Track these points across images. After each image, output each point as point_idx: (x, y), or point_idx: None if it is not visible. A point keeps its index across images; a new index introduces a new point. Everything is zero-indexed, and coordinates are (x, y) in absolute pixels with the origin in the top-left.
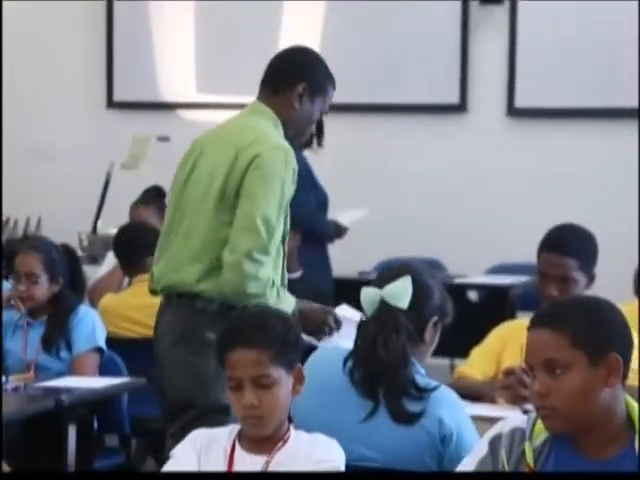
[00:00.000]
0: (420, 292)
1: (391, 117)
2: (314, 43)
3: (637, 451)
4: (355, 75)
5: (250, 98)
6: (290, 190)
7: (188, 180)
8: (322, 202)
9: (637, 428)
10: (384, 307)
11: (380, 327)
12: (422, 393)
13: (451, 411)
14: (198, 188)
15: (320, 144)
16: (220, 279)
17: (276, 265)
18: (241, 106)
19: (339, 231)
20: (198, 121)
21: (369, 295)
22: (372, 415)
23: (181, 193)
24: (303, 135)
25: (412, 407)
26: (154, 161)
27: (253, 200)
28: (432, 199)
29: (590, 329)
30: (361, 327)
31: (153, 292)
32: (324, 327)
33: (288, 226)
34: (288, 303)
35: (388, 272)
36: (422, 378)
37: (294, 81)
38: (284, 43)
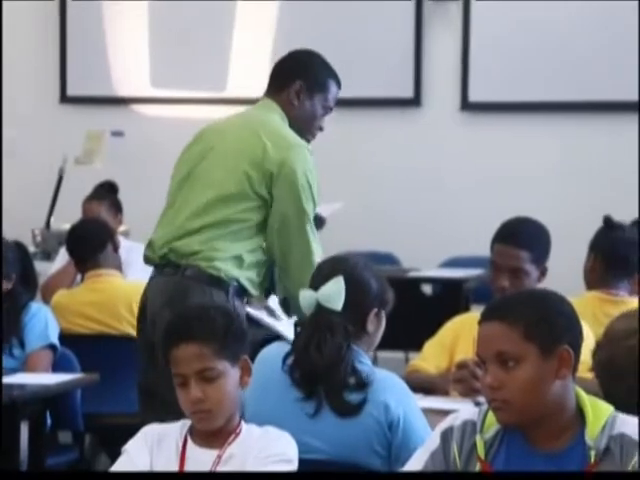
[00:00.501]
0: (355, 288)
1: (345, 111)
2: (268, 40)
3: (586, 442)
4: None
5: (204, 93)
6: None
7: (205, 157)
8: None
9: (587, 420)
10: (320, 310)
11: (314, 329)
12: (363, 383)
13: (397, 397)
14: (217, 168)
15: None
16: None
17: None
18: (195, 101)
19: (319, 223)
20: (152, 116)
21: (306, 299)
22: (317, 413)
23: (192, 170)
24: (308, 132)
25: (354, 398)
26: (108, 156)
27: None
28: (386, 193)
29: (541, 322)
30: (298, 328)
31: (148, 260)
32: None
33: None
34: None
35: (322, 271)
36: (366, 367)
37: (291, 79)
38: (238, 39)
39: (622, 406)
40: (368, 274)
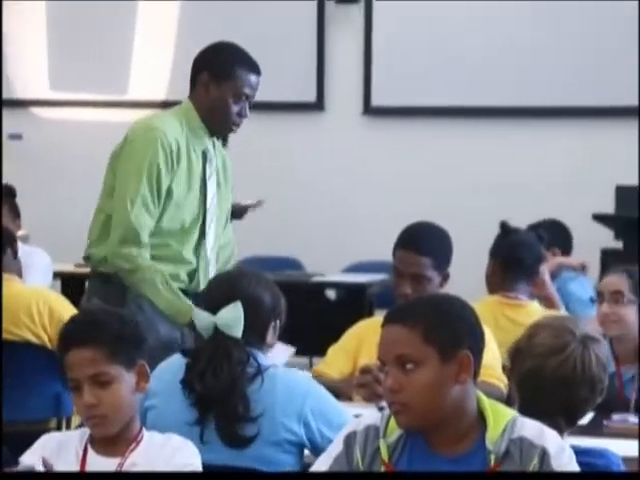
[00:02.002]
0: (252, 309)
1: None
2: (169, 43)
3: (487, 446)
4: None
5: (105, 96)
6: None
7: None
8: None
9: (488, 424)
10: (219, 335)
11: (212, 355)
12: (255, 416)
13: (299, 406)
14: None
15: (225, 144)
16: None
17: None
18: (94, 103)
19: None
20: (52, 119)
21: (204, 322)
22: (207, 439)
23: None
24: (223, 123)
25: (247, 431)
26: (5, 159)
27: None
28: (290, 198)
29: (441, 326)
30: (196, 351)
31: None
32: None
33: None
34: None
35: (215, 292)
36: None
37: (198, 72)
38: (139, 42)
39: (541, 417)
40: (262, 290)
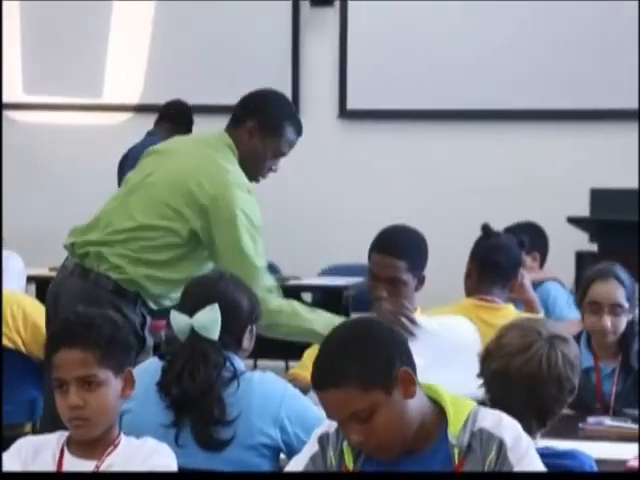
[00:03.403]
0: (229, 312)
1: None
2: (143, 44)
3: (450, 441)
4: (185, 76)
5: (79, 99)
6: None
7: (150, 175)
8: None
9: (449, 418)
10: (195, 337)
11: (189, 357)
12: (230, 419)
13: (274, 411)
14: (150, 193)
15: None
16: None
17: None
18: (69, 107)
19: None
20: (25, 122)
21: (180, 324)
22: (182, 442)
23: (133, 187)
24: (255, 172)
25: (222, 434)
26: None
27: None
28: (264, 201)
29: (371, 368)
30: (173, 354)
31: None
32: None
33: None
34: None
35: (191, 295)
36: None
37: (245, 118)
38: (113, 44)
39: (511, 416)
40: (239, 294)
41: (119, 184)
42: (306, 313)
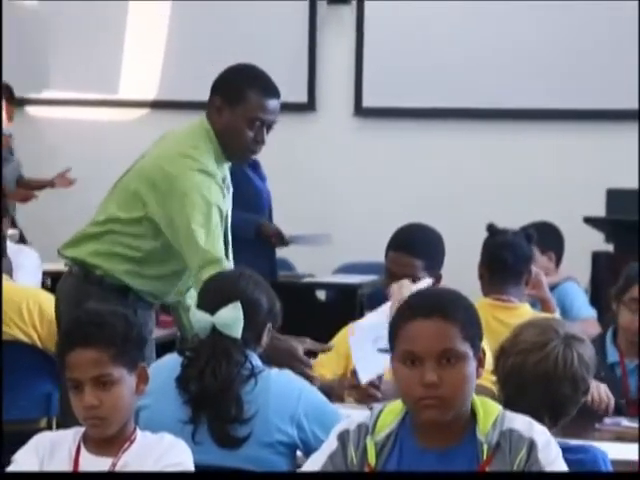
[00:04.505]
0: (250, 311)
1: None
2: (160, 43)
3: (478, 438)
4: (202, 73)
5: (95, 95)
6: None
7: (129, 170)
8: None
9: (478, 416)
10: (217, 335)
11: (211, 355)
12: (248, 417)
13: (292, 408)
14: (123, 185)
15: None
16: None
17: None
18: (85, 102)
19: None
20: (42, 117)
21: (201, 322)
22: (199, 438)
23: (119, 180)
24: (237, 146)
25: (239, 431)
26: None
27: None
28: (280, 197)
29: (471, 321)
30: (194, 350)
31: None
32: (293, 363)
33: None
34: None
35: (212, 293)
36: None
37: (211, 96)
38: (129, 40)
39: (525, 414)
40: (259, 292)
41: None
42: None
